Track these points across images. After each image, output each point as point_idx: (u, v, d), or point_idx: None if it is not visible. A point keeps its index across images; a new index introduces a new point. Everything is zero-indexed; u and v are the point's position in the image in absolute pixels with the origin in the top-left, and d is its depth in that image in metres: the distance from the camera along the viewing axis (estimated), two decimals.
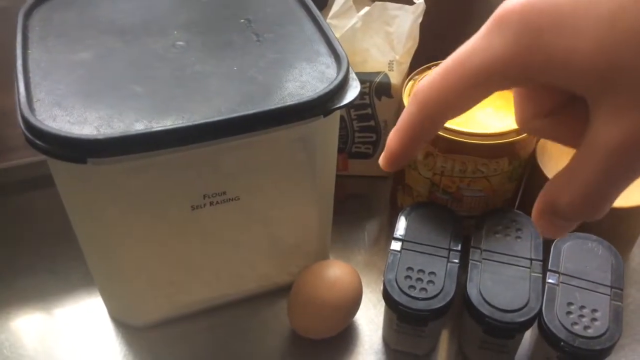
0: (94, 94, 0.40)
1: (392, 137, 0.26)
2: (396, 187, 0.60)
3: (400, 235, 0.50)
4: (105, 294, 0.52)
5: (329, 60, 0.44)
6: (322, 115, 0.41)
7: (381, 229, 0.62)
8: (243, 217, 0.46)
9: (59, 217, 0.46)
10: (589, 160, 0.21)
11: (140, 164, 0.39)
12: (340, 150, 0.65)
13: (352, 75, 0.44)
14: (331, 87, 0.41)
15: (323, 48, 0.46)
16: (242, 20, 0.48)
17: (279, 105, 0.40)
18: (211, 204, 0.44)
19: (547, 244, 0.49)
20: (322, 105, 0.41)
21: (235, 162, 0.42)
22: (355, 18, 0.57)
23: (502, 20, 0.22)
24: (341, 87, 0.42)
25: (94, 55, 0.43)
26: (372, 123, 0.62)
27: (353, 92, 0.43)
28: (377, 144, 0.64)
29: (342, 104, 0.42)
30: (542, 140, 0.57)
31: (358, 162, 0.65)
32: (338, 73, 0.43)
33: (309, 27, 0.48)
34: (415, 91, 0.25)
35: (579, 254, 0.48)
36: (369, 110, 0.61)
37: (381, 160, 0.27)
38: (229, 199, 0.44)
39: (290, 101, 0.40)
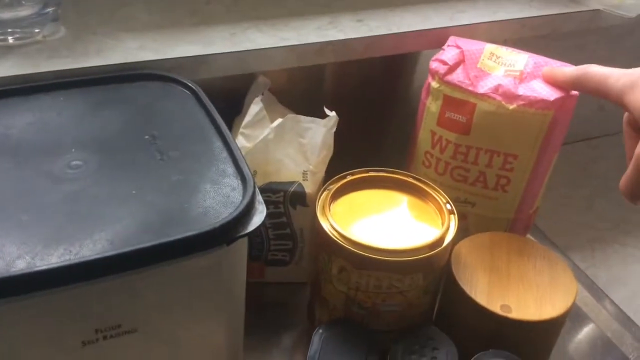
0: None
1: None
2: (313, 300, 0.58)
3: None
4: None
5: (235, 182, 0.43)
6: (225, 244, 0.39)
7: (298, 342, 0.59)
8: (142, 349, 0.43)
9: None
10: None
11: (23, 304, 0.35)
12: (256, 258, 0.63)
13: (259, 199, 0.42)
14: (235, 213, 0.40)
15: (230, 168, 0.44)
16: (146, 136, 0.46)
17: (177, 237, 0.37)
18: (105, 338, 0.40)
19: None
20: (225, 234, 0.39)
21: (129, 296, 0.39)
22: (268, 129, 0.56)
23: None
24: (246, 212, 0.41)
25: None
26: (287, 231, 0.60)
27: (259, 217, 0.41)
28: (294, 252, 0.62)
29: (246, 231, 0.40)
30: (455, 250, 0.57)
31: (274, 269, 0.63)
32: (243, 197, 0.41)
33: (217, 144, 0.47)
34: None
35: None
36: (284, 219, 0.59)
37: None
38: (125, 331, 0.41)
39: (191, 230, 0.38)
